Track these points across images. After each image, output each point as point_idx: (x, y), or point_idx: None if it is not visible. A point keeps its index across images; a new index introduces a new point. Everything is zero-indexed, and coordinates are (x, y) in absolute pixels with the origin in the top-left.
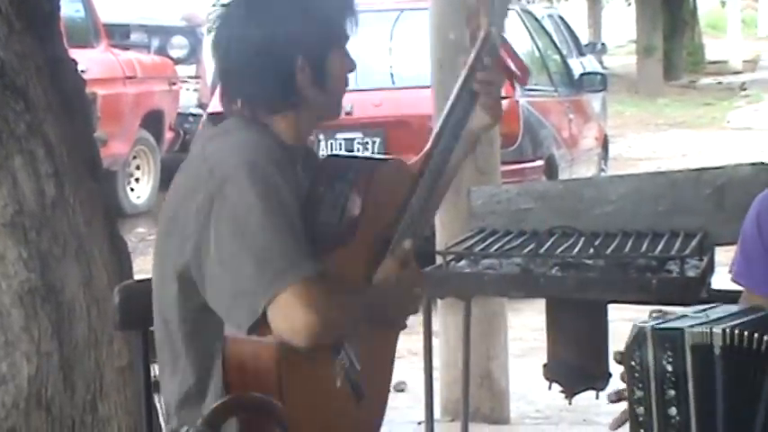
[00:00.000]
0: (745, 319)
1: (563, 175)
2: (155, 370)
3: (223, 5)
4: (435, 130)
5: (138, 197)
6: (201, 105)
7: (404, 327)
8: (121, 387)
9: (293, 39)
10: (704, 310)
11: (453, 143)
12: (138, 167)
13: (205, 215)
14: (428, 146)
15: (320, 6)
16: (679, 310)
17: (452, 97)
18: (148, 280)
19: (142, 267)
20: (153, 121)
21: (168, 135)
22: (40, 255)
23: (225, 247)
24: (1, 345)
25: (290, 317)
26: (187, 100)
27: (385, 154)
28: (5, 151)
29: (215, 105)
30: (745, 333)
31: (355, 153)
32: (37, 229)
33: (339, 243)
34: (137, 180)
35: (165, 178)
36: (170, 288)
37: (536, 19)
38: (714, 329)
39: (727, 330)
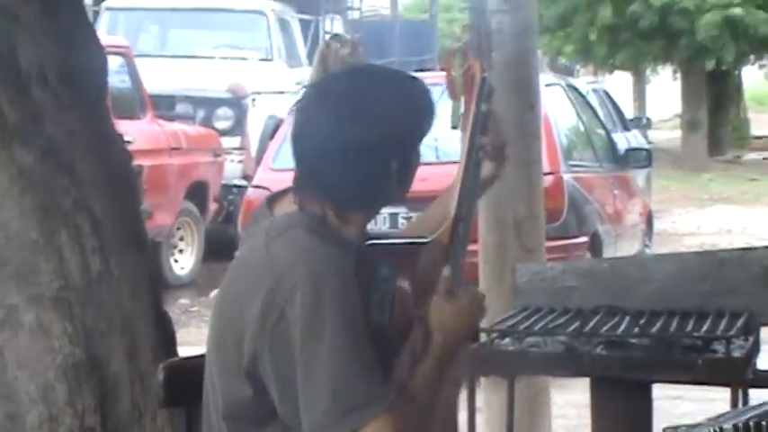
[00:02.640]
0: (754, 413)
1: (607, 252)
2: None
3: (311, 94)
4: (456, 193)
5: (182, 268)
6: (246, 177)
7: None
8: None
9: (392, 141)
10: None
11: (474, 204)
12: (181, 239)
13: (271, 326)
14: (453, 212)
15: (414, 107)
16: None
17: (464, 156)
18: (193, 357)
19: (186, 339)
20: (197, 192)
21: (212, 206)
22: (84, 329)
23: (297, 369)
24: (45, 419)
25: None
26: (231, 171)
27: None
28: (52, 226)
29: (260, 178)
30: (752, 423)
31: (395, 231)
32: (82, 303)
33: (395, 345)
34: (180, 251)
35: (209, 250)
36: (239, 383)
37: (581, 94)
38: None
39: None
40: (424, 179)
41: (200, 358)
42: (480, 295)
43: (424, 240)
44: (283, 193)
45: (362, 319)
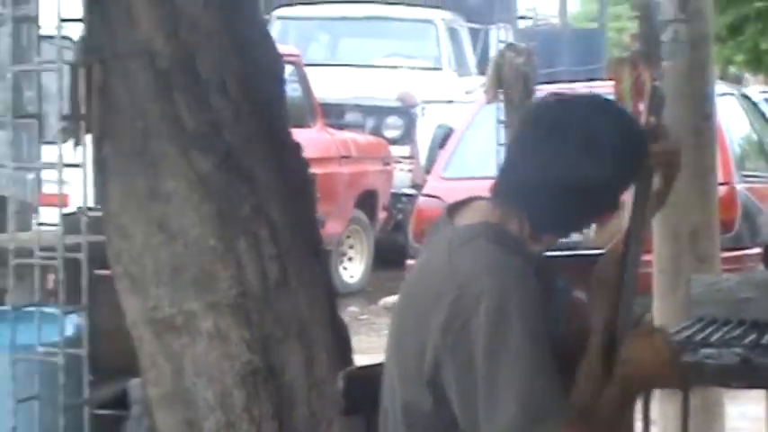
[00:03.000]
0: None
1: None
2: None
3: (528, 120)
4: (629, 205)
5: (351, 276)
6: (415, 186)
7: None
8: None
9: (614, 182)
10: None
11: (646, 216)
12: (351, 247)
13: (454, 335)
14: (627, 224)
15: (634, 140)
16: None
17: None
18: (373, 366)
19: (356, 347)
20: (367, 200)
21: (382, 215)
22: (262, 336)
23: (479, 379)
24: (223, 425)
25: None
26: (400, 180)
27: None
28: (230, 233)
29: (431, 187)
30: None
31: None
32: (260, 310)
33: (572, 356)
34: (350, 259)
35: (378, 258)
36: (419, 392)
37: (754, 103)
38: None
39: None
40: None
41: (379, 366)
42: (671, 339)
43: (600, 252)
44: (464, 202)
45: (545, 331)
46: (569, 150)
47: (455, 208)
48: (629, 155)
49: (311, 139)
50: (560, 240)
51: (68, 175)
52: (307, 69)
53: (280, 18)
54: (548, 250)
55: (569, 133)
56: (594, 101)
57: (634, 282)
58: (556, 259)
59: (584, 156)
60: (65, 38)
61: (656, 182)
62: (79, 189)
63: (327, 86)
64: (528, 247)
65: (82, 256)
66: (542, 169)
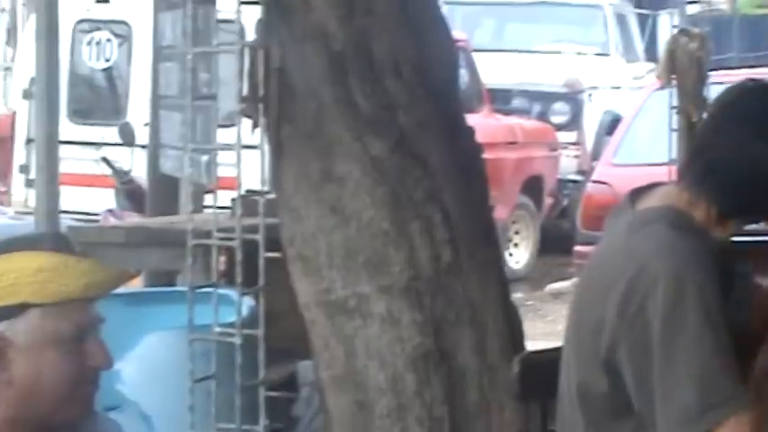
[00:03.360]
0: None
1: None
2: None
3: (727, 105)
4: None
5: (517, 262)
6: (581, 172)
7: None
8: None
9: None
10: None
11: None
12: (517, 233)
13: (630, 316)
14: None
15: None
16: None
17: None
18: (548, 351)
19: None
20: (533, 186)
21: (548, 201)
22: (434, 320)
23: (655, 362)
24: (393, 408)
25: None
26: (567, 166)
27: None
28: (403, 216)
29: (600, 173)
30: None
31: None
32: (432, 294)
33: (751, 343)
34: (515, 245)
35: (544, 244)
36: (594, 372)
37: None
38: None
39: None
40: None
41: (554, 351)
42: None
43: None
44: (647, 188)
45: (723, 315)
46: (765, 135)
47: (637, 193)
48: None
49: (478, 124)
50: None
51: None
52: (473, 55)
53: (447, 3)
54: (732, 236)
55: (765, 118)
56: None
57: None
58: (739, 244)
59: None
60: (233, 22)
61: None
62: (249, 172)
63: (494, 72)
64: (711, 233)
65: (259, 237)
66: (736, 153)
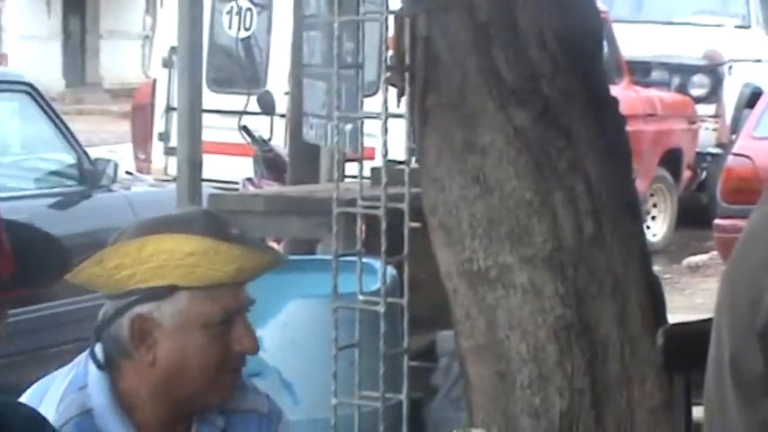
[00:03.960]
0: None
1: None
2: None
3: None
4: None
5: (654, 235)
6: (720, 145)
7: None
8: (653, 428)
9: None
10: None
11: None
12: (654, 205)
13: None
14: None
15: None
16: None
17: None
18: (692, 323)
19: None
20: (671, 159)
21: (686, 174)
22: (576, 291)
23: None
24: (535, 378)
25: None
26: (705, 139)
27: None
28: (546, 187)
29: (741, 146)
30: None
31: None
32: (574, 265)
33: None
34: (653, 218)
35: (681, 217)
36: (749, 345)
37: None
38: None
39: None
40: None
41: (699, 323)
42: None
43: None
44: None
45: None
46: None
47: None
48: None
49: (617, 96)
50: None
51: (375, 129)
52: (612, 26)
53: None
54: None
55: None
56: None
57: None
58: None
59: None
60: None
61: None
62: (391, 142)
63: (633, 43)
64: None
65: (404, 206)
66: None
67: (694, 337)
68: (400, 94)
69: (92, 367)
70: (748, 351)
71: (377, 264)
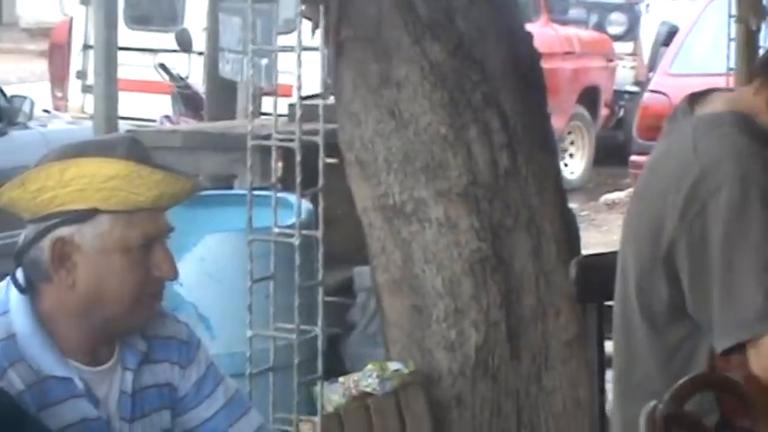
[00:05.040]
0: None
1: None
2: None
3: None
4: None
5: (572, 173)
6: (638, 83)
7: None
8: (567, 359)
9: None
10: None
11: None
12: (572, 143)
13: (690, 217)
14: None
15: None
16: None
17: None
18: (605, 254)
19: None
20: (589, 97)
21: (603, 112)
22: (491, 225)
23: (714, 264)
24: (451, 312)
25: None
26: (623, 77)
27: None
28: (461, 121)
29: (657, 83)
30: None
31: None
32: (489, 199)
33: None
34: (571, 156)
35: (599, 155)
36: (653, 273)
37: None
38: None
39: None
40: None
41: (611, 255)
42: None
43: None
44: (704, 93)
45: None
46: None
47: (695, 99)
48: None
49: (535, 33)
50: None
51: (293, 65)
52: None
53: None
54: None
55: None
56: None
57: None
58: None
59: None
60: None
61: None
62: (308, 78)
63: None
64: None
65: (319, 139)
66: None
67: (607, 268)
68: (315, 27)
69: (13, 292)
70: (653, 280)
71: (294, 199)
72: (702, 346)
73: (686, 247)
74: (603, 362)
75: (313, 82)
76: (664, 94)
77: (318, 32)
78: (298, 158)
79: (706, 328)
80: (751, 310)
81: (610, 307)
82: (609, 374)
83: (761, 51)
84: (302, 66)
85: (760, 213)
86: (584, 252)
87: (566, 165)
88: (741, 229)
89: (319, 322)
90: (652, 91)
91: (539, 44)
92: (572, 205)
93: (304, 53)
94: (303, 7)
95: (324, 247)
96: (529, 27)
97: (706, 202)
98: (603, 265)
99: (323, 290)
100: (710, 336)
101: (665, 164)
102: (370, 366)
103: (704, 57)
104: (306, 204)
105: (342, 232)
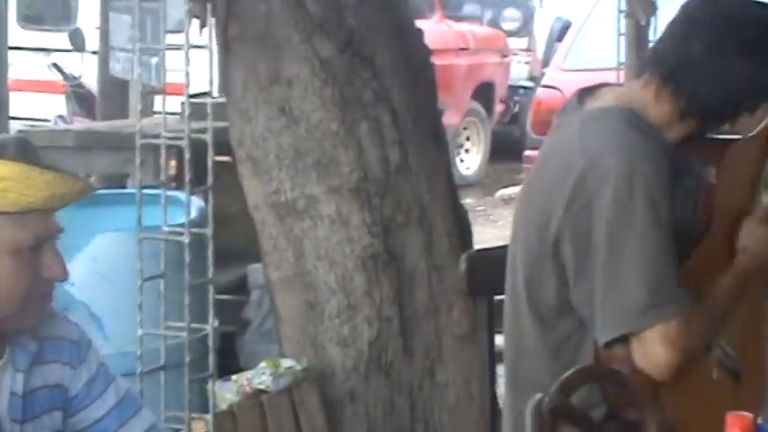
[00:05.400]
0: None
1: None
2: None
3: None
4: None
5: (468, 168)
6: (532, 78)
7: None
8: (459, 354)
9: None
10: None
11: None
12: (468, 138)
13: (576, 211)
14: None
15: None
16: None
17: None
18: (495, 248)
19: (473, 238)
20: (484, 92)
21: (499, 107)
22: (383, 221)
23: (598, 257)
24: (343, 308)
25: (652, 355)
26: (518, 72)
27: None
28: (352, 118)
29: (550, 78)
30: None
31: None
32: (381, 195)
33: (696, 239)
34: (467, 151)
35: (495, 150)
36: (541, 267)
37: None
38: None
39: None
40: None
41: (501, 249)
42: None
43: (735, 137)
44: (594, 88)
45: (671, 214)
46: (728, 36)
47: (585, 93)
48: None
49: (429, 30)
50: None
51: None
52: None
53: None
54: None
55: (734, 21)
56: None
57: None
58: (691, 143)
59: (747, 52)
60: None
61: None
62: (199, 76)
63: None
64: (667, 132)
65: (208, 137)
66: (708, 54)
67: (497, 262)
68: (203, 26)
69: None
70: (541, 273)
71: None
72: (589, 339)
73: (571, 241)
74: (494, 356)
75: (204, 80)
76: (557, 88)
77: (206, 31)
78: (187, 156)
79: (589, 321)
80: (633, 304)
81: (501, 301)
82: (502, 369)
83: (650, 46)
84: (191, 64)
85: (644, 208)
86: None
87: (461, 160)
88: (625, 224)
89: (210, 320)
90: (545, 86)
91: (433, 41)
92: (468, 201)
93: (194, 51)
94: (191, 5)
95: (217, 245)
96: (423, 24)
97: (591, 197)
98: (493, 259)
99: (213, 288)
100: (593, 329)
101: (552, 158)
102: (263, 364)
103: (596, 52)
104: (198, 203)
105: (236, 230)
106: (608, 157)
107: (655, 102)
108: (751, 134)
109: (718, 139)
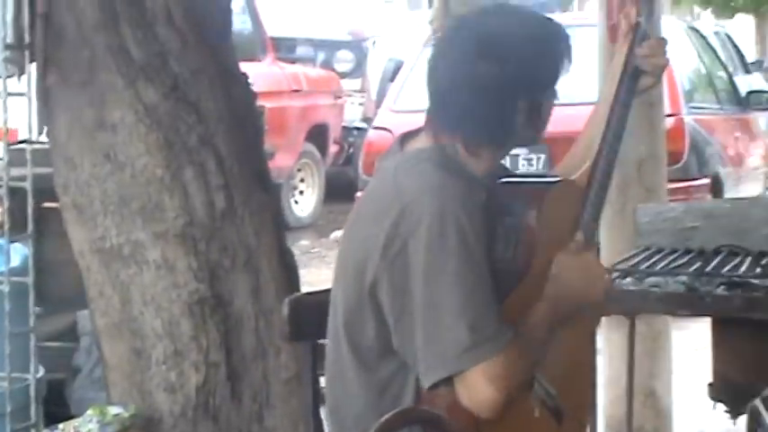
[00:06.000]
0: None
1: (729, 194)
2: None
3: (447, 31)
4: (601, 137)
5: (302, 210)
6: (366, 119)
7: (597, 314)
8: (287, 398)
9: (522, 82)
10: None
11: (617, 146)
12: (302, 180)
13: (392, 256)
14: (595, 154)
15: (549, 50)
16: None
17: (612, 101)
18: (318, 292)
19: (306, 280)
20: (318, 134)
21: (333, 149)
22: (209, 265)
23: (417, 300)
24: (170, 354)
25: (475, 394)
26: (352, 114)
27: (550, 170)
28: (177, 163)
29: (382, 119)
30: None
31: (521, 171)
32: (207, 240)
33: (516, 280)
34: (301, 193)
35: (329, 192)
36: (360, 308)
37: (702, 36)
38: None
39: None
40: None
41: (324, 293)
42: (599, 264)
43: (554, 180)
44: (415, 132)
45: (485, 253)
46: (471, 54)
47: (407, 137)
48: (539, 59)
49: (262, 72)
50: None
51: (12, 108)
52: (257, 2)
53: None
54: (504, 176)
55: (473, 38)
56: (512, 10)
57: (597, 216)
58: (510, 185)
59: (485, 58)
60: None
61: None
62: (25, 121)
63: (278, 21)
64: (472, 169)
65: (27, 184)
66: (455, 74)
67: (320, 306)
68: (21, 73)
69: None
70: (360, 317)
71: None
72: (411, 381)
73: (389, 286)
74: (318, 400)
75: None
76: (387, 130)
77: (24, 78)
78: (6, 204)
79: (412, 365)
80: (453, 345)
81: (324, 345)
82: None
83: None
84: (19, 111)
85: (457, 247)
86: (317, 290)
87: (296, 202)
88: (440, 265)
89: (32, 369)
90: (376, 127)
91: (265, 83)
92: (303, 242)
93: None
94: (8, 54)
95: (47, 291)
96: (255, 66)
97: (406, 240)
98: (316, 303)
99: (36, 336)
100: (417, 371)
101: (369, 202)
102: (90, 411)
103: (426, 93)
104: (23, 250)
105: (66, 275)
106: (420, 200)
107: (446, 141)
108: (572, 177)
109: (539, 182)
